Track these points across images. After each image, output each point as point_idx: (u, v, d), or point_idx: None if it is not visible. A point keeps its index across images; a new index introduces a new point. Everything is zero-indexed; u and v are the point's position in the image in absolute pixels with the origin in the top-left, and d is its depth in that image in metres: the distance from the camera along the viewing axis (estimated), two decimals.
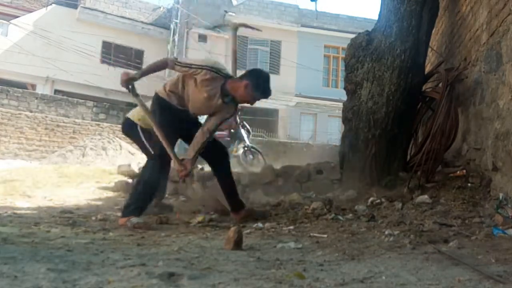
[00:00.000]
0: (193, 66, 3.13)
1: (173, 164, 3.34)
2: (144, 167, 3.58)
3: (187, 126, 3.37)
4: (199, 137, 3.29)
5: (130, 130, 4.16)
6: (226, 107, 3.29)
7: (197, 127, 3.36)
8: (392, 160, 4.14)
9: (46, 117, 13.72)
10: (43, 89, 18.49)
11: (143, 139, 4.02)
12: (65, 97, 16.62)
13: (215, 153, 3.45)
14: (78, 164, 9.57)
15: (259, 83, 3.19)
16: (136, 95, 3.25)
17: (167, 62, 3.22)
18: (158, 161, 3.30)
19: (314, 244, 2.35)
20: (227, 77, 3.20)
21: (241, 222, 3.26)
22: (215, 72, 3.14)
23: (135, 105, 4.30)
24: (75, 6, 20.08)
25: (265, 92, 3.23)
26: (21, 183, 5.53)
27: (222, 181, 3.49)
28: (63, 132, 13.52)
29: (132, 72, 3.24)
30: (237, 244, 2.20)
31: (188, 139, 3.49)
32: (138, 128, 4.06)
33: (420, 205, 3.26)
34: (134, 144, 4.78)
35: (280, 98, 18.51)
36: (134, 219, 3.03)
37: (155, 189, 3.31)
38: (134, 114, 4.18)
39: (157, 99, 3.36)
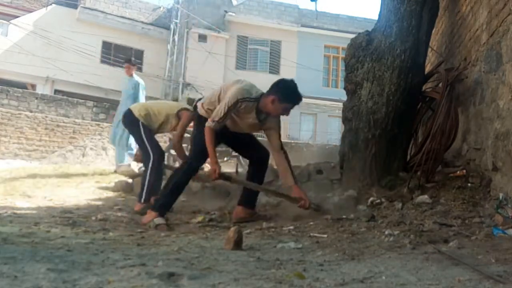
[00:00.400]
0: (230, 109, 3.21)
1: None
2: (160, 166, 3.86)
3: (229, 135, 3.49)
4: (283, 159, 3.41)
5: (131, 123, 4.14)
6: (268, 120, 3.40)
7: (240, 134, 3.51)
8: (392, 160, 4.13)
9: (46, 117, 13.70)
10: (43, 89, 18.47)
11: (144, 136, 4.01)
12: (65, 97, 16.60)
13: (260, 156, 3.56)
14: (78, 164, 9.57)
15: (285, 94, 3.26)
16: (228, 178, 3.41)
17: (213, 129, 3.23)
18: (193, 165, 3.46)
19: (314, 244, 2.35)
20: (258, 98, 3.29)
21: (238, 221, 3.29)
22: (247, 100, 3.25)
23: None
24: (75, 6, 20.07)
25: (294, 100, 3.31)
26: (21, 183, 5.53)
27: (252, 172, 3.60)
28: (63, 132, 13.49)
29: (216, 168, 3.23)
30: (237, 244, 2.20)
31: (234, 147, 3.78)
32: (140, 124, 4.04)
33: (420, 205, 3.26)
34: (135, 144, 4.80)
35: None
36: (157, 220, 3.15)
37: (183, 187, 3.49)
38: (137, 108, 4.17)
39: (198, 118, 3.49)
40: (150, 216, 3.22)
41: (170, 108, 4.19)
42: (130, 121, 4.12)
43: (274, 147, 3.46)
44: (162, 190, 3.69)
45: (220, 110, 3.23)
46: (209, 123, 3.25)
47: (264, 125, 3.41)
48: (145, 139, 4.00)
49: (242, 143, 3.63)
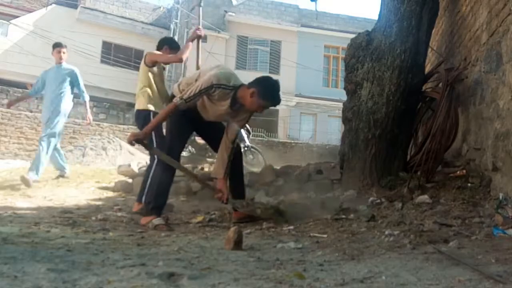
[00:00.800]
0: (202, 92, 3.11)
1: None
2: (156, 165, 3.66)
3: (202, 123, 3.39)
4: (227, 152, 3.30)
5: (144, 122, 4.02)
6: (240, 113, 3.30)
7: (213, 124, 3.40)
8: (392, 160, 4.14)
9: None
10: None
11: (152, 134, 3.95)
12: None
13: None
14: (78, 164, 9.56)
15: (267, 91, 3.16)
16: (144, 144, 3.30)
17: (177, 105, 3.13)
18: (172, 155, 3.31)
19: (314, 244, 2.35)
20: (236, 87, 3.18)
21: (238, 222, 3.27)
22: (223, 87, 3.13)
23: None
24: (75, 6, 20.09)
25: (273, 100, 3.20)
26: (21, 183, 5.52)
27: (232, 178, 3.50)
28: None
29: (138, 132, 3.28)
30: (237, 244, 2.20)
31: (205, 136, 3.60)
32: (151, 115, 3.97)
33: (420, 205, 3.26)
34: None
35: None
36: (156, 221, 3.12)
37: (169, 184, 3.36)
38: (138, 100, 4.09)
39: (172, 99, 3.37)
40: (148, 218, 3.21)
41: (142, 68, 4.15)
42: (144, 118, 4.02)
43: (229, 137, 3.34)
44: (148, 192, 3.63)
45: (192, 90, 3.11)
46: (176, 99, 3.14)
47: (235, 117, 3.30)
48: (153, 135, 3.94)
49: (213, 132, 3.48)
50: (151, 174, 3.85)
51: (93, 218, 3.39)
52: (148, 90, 4.06)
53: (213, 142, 3.55)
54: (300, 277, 1.55)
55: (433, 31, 4.63)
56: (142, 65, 4.21)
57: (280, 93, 3.26)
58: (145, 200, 3.75)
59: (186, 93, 3.13)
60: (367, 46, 4.32)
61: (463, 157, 3.94)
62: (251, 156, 8.07)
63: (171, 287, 1.39)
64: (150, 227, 3.09)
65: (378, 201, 3.56)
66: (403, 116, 4.15)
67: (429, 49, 4.75)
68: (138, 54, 20.95)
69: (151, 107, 3.99)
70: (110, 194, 5.34)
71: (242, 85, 3.20)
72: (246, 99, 3.15)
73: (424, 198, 3.37)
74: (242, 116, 3.34)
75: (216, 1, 20.43)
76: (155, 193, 3.34)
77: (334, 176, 4.81)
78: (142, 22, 21.37)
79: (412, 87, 4.17)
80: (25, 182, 5.32)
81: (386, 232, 2.52)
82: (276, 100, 3.21)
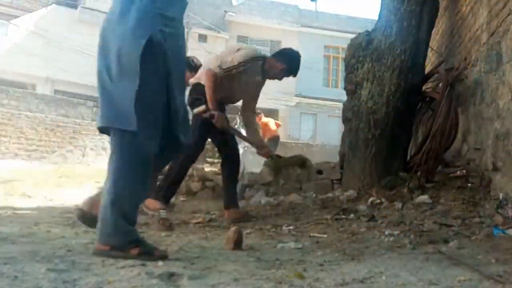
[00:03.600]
0: (240, 65, 3.36)
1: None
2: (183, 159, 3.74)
3: (215, 131, 3.48)
4: (255, 121, 3.89)
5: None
6: (258, 82, 3.64)
7: (224, 132, 3.54)
8: (392, 160, 4.13)
9: (46, 117, 13.69)
10: (43, 89, 18.46)
11: None
12: (65, 97, 16.60)
13: (231, 146, 3.65)
14: (78, 164, 9.57)
15: (295, 68, 3.61)
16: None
17: (216, 73, 3.33)
18: (186, 154, 3.35)
19: (314, 244, 2.35)
20: (264, 58, 3.52)
21: (232, 222, 3.26)
22: (255, 62, 3.43)
23: None
24: (75, 6, 20.08)
25: (296, 74, 3.67)
26: (21, 183, 5.53)
27: (227, 172, 3.61)
28: (63, 132, 13.49)
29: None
30: (237, 244, 2.20)
31: (218, 141, 3.74)
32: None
33: (420, 205, 3.26)
34: None
35: (280, 98, 18.52)
36: (163, 214, 3.11)
37: (182, 178, 3.60)
38: None
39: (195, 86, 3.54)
40: (156, 204, 3.19)
41: None
42: None
43: (251, 108, 3.79)
44: (163, 180, 3.70)
45: (231, 61, 3.34)
46: (214, 68, 3.34)
47: (257, 85, 3.65)
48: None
49: (223, 137, 3.64)
50: (172, 165, 3.83)
51: None
52: None
53: (223, 146, 3.73)
54: (300, 277, 1.55)
55: (433, 31, 4.62)
56: None
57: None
58: (159, 185, 3.74)
59: (225, 64, 3.36)
60: (367, 46, 4.32)
61: (463, 157, 3.94)
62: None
63: (171, 287, 1.39)
64: (155, 215, 3.05)
65: (378, 201, 3.56)
66: (403, 116, 4.15)
67: (429, 49, 4.75)
68: None
69: None
70: None
71: (268, 56, 3.58)
72: (274, 71, 3.55)
73: (424, 198, 3.37)
74: (260, 83, 3.67)
75: (216, 1, 20.43)
76: (171, 180, 3.46)
77: (334, 176, 4.82)
78: None
79: (412, 87, 4.16)
80: None
81: (386, 232, 2.52)
82: (296, 75, 3.69)
